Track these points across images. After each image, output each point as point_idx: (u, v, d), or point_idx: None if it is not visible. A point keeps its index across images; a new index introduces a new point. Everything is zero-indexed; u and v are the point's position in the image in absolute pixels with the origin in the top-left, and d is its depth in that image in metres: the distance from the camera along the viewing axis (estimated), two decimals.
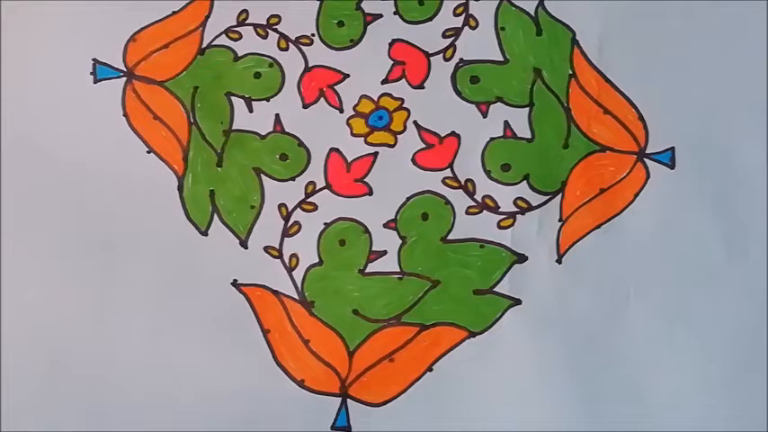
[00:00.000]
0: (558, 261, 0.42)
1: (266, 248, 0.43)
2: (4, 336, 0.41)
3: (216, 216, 0.43)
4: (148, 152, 0.44)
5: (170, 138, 0.44)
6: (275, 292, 0.42)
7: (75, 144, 0.44)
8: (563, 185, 0.43)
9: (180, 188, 0.44)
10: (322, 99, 0.45)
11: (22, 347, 0.41)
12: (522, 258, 0.42)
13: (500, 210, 0.43)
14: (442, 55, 0.45)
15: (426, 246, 0.43)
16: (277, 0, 0.46)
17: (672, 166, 0.43)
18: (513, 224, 0.43)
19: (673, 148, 0.43)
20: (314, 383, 0.41)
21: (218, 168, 0.44)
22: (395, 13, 0.46)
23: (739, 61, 0.43)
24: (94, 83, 0.45)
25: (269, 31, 0.46)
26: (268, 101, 0.45)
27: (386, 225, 0.43)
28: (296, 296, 0.42)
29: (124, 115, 0.45)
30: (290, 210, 0.44)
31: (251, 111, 0.45)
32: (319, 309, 0.42)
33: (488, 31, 0.46)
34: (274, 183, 0.44)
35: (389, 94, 0.45)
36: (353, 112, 0.45)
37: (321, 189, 0.44)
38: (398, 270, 0.42)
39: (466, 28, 0.46)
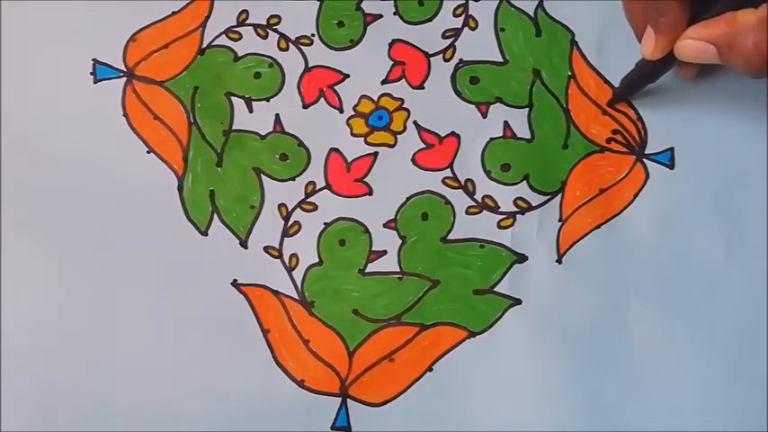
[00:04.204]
0: (558, 261, 0.42)
1: (266, 248, 0.43)
2: (4, 335, 0.41)
3: (216, 216, 0.43)
4: (148, 152, 0.44)
5: (170, 138, 0.44)
6: (275, 292, 0.42)
7: (75, 144, 0.44)
8: (563, 186, 0.43)
9: (180, 188, 0.44)
10: (322, 99, 0.45)
11: (21, 347, 0.41)
12: (522, 258, 0.42)
13: (500, 210, 0.43)
14: (441, 55, 0.46)
15: (426, 246, 0.43)
16: (277, 0, 0.46)
17: (671, 167, 0.43)
18: (513, 224, 0.43)
19: (672, 149, 0.43)
20: (314, 383, 0.41)
21: (219, 168, 0.44)
22: (395, 14, 0.46)
23: None
24: (94, 83, 0.45)
25: (269, 31, 0.46)
26: (268, 101, 0.45)
27: (386, 225, 0.43)
28: (296, 296, 0.42)
29: (124, 115, 0.45)
30: (289, 210, 0.44)
31: (251, 111, 0.45)
32: (319, 309, 0.42)
33: (488, 31, 0.46)
34: (274, 183, 0.44)
35: (389, 95, 0.45)
36: (353, 113, 0.45)
37: (321, 189, 0.44)
38: (398, 270, 0.42)
39: (465, 29, 0.46)
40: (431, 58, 0.46)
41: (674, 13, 0.38)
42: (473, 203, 0.43)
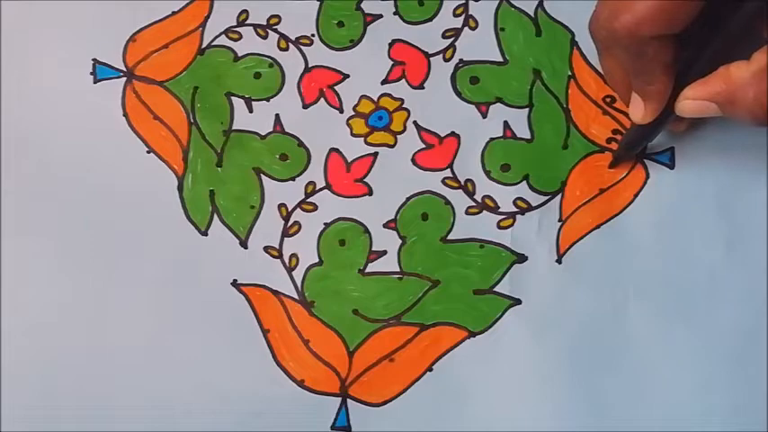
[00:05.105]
0: (558, 261, 0.42)
1: (266, 248, 0.43)
2: (4, 336, 0.41)
3: (216, 216, 0.43)
4: (148, 152, 0.44)
5: (170, 138, 0.44)
6: (275, 292, 0.42)
7: (75, 144, 0.44)
8: (563, 185, 0.43)
9: (180, 188, 0.44)
10: (322, 99, 0.45)
11: (21, 347, 0.41)
12: (521, 258, 0.42)
13: (500, 210, 0.43)
14: (441, 55, 0.46)
15: (426, 246, 0.43)
16: (277, 0, 0.46)
17: (672, 166, 0.43)
18: (512, 224, 0.43)
19: (672, 148, 0.43)
20: (314, 383, 0.41)
21: (218, 168, 0.44)
22: (395, 14, 0.46)
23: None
24: (94, 83, 0.45)
25: (269, 31, 0.46)
26: (268, 101, 0.45)
27: (386, 225, 0.43)
28: (296, 296, 0.42)
29: (124, 115, 0.45)
30: (289, 210, 0.44)
31: (251, 111, 0.45)
32: (319, 309, 0.42)
33: (488, 31, 0.46)
34: (274, 183, 0.44)
35: (389, 95, 0.45)
36: (353, 113, 0.45)
37: (321, 189, 0.44)
38: (398, 270, 0.42)
39: (466, 28, 0.46)
40: (431, 58, 0.46)
41: (661, 79, 0.38)
42: (473, 203, 0.43)
